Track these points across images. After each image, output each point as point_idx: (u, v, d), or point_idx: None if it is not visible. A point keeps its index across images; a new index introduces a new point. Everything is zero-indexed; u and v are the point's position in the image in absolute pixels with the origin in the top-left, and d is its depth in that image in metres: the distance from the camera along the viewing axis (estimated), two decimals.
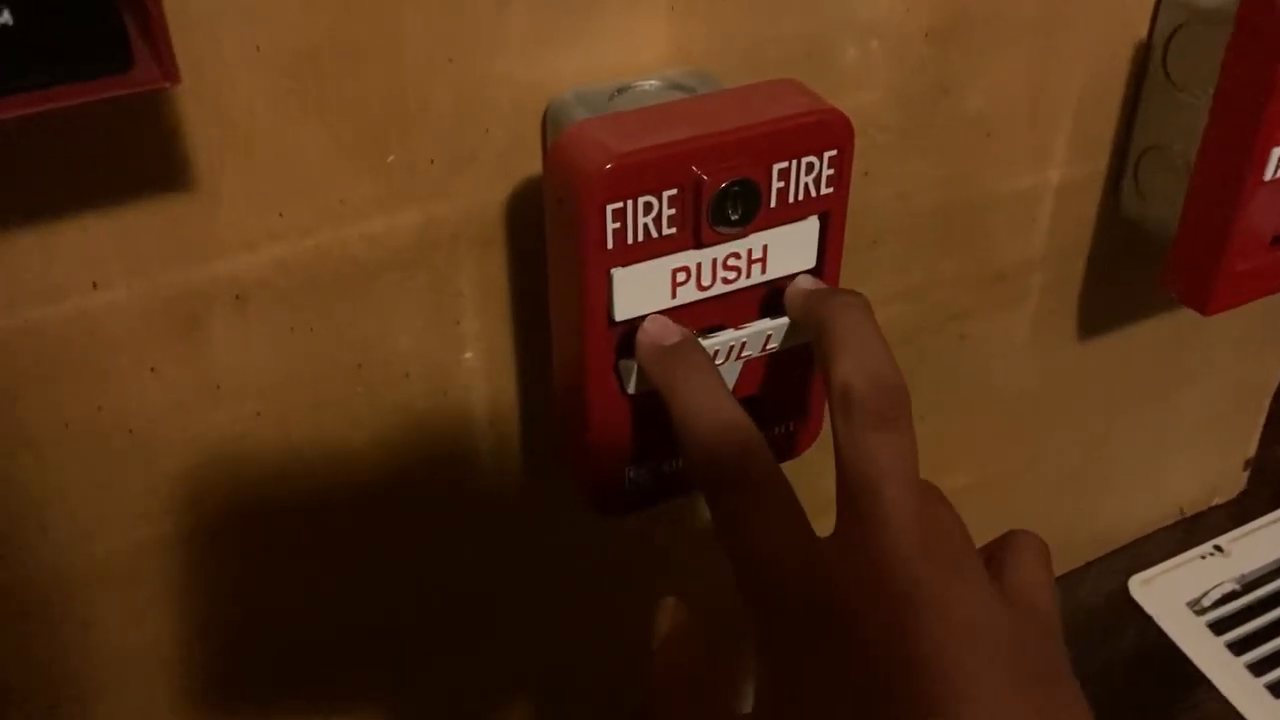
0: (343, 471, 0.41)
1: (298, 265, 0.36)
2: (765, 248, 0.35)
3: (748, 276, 0.36)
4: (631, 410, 0.37)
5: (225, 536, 0.40)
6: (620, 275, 0.33)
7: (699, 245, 0.34)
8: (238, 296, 0.36)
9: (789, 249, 0.36)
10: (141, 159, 0.33)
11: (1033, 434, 0.61)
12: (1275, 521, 0.71)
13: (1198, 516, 0.71)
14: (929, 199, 0.48)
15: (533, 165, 0.38)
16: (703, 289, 0.35)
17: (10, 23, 0.22)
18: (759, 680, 0.29)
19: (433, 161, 0.37)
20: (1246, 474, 0.73)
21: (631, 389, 0.36)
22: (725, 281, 0.35)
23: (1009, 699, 0.27)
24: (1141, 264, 0.55)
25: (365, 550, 0.44)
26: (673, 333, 0.34)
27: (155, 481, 0.38)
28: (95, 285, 0.34)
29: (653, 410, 0.37)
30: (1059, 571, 0.67)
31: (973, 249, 0.51)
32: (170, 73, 0.24)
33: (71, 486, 0.36)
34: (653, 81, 0.38)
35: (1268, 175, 0.46)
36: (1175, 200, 0.49)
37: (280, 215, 0.35)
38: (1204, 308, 0.49)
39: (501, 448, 0.44)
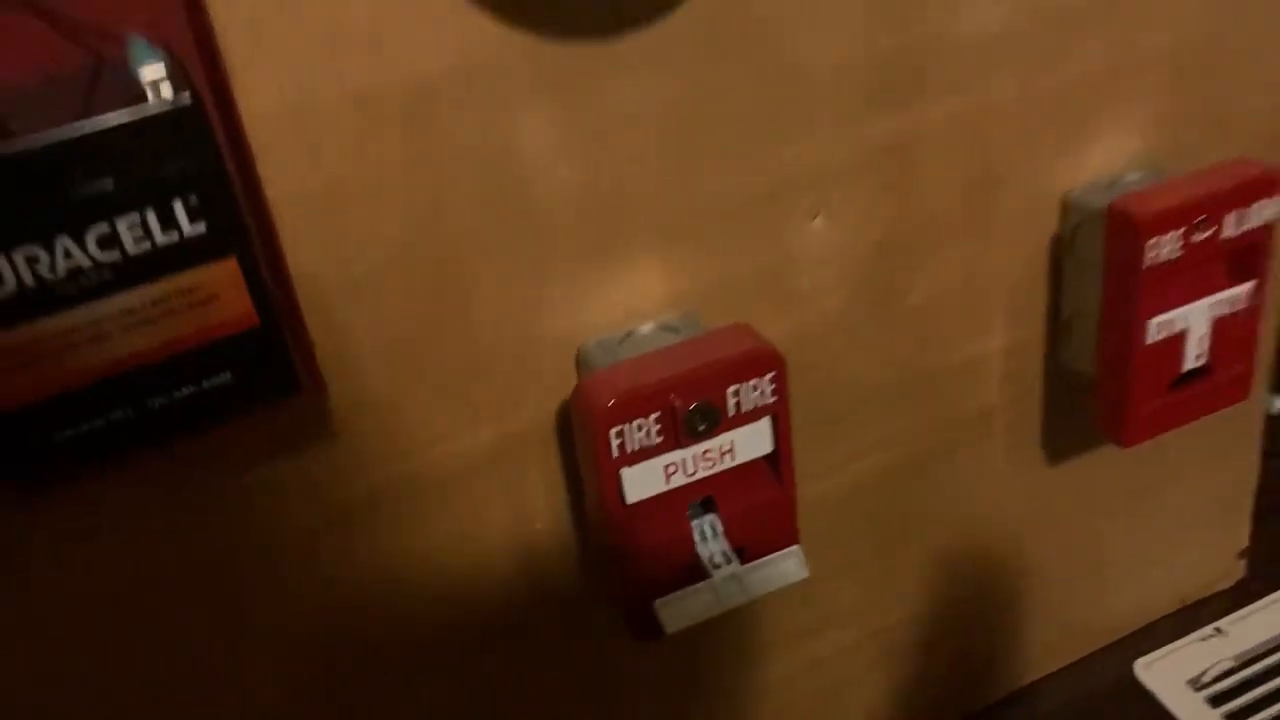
0: (451, 629, 0.56)
1: (404, 492, 0.52)
2: (732, 442, 0.50)
3: (721, 462, 0.50)
4: (651, 560, 0.51)
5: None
6: (627, 473, 0.48)
7: (680, 447, 0.49)
8: (372, 508, 0.52)
9: (750, 441, 0.50)
10: (290, 421, 0.49)
11: (1027, 544, 0.73)
12: (1271, 604, 0.80)
13: (1200, 603, 0.81)
14: (890, 374, 0.62)
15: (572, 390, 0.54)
16: (688, 475, 0.50)
17: (229, 380, 0.39)
18: None
19: (501, 395, 0.52)
20: (1244, 563, 0.82)
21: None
22: (704, 469, 0.50)
23: None
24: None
25: (472, 695, 0.59)
26: None
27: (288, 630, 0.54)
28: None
29: (666, 557, 0.51)
30: (1068, 660, 0.78)
31: (935, 405, 0.64)
32: (321, 388, 0.40)
33: None
34: (650, 325, 0.53)
35: (1149, 340, 0.58)
36: (1095, 356, 0.62)
37: (397, 445, 0.51)
38: (1121, 443, 0.62)
39: (565, 589, 0.59)
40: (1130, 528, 0.76)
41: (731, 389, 0.48)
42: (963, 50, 0.55)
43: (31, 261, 0.36)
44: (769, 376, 0.49)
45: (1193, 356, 0.60)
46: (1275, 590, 0.81)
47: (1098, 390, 0.62)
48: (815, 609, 0.66)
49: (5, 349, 0.37)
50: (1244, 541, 0.82)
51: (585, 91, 0.48)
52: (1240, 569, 0.83)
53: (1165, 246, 0.56)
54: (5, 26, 0.38)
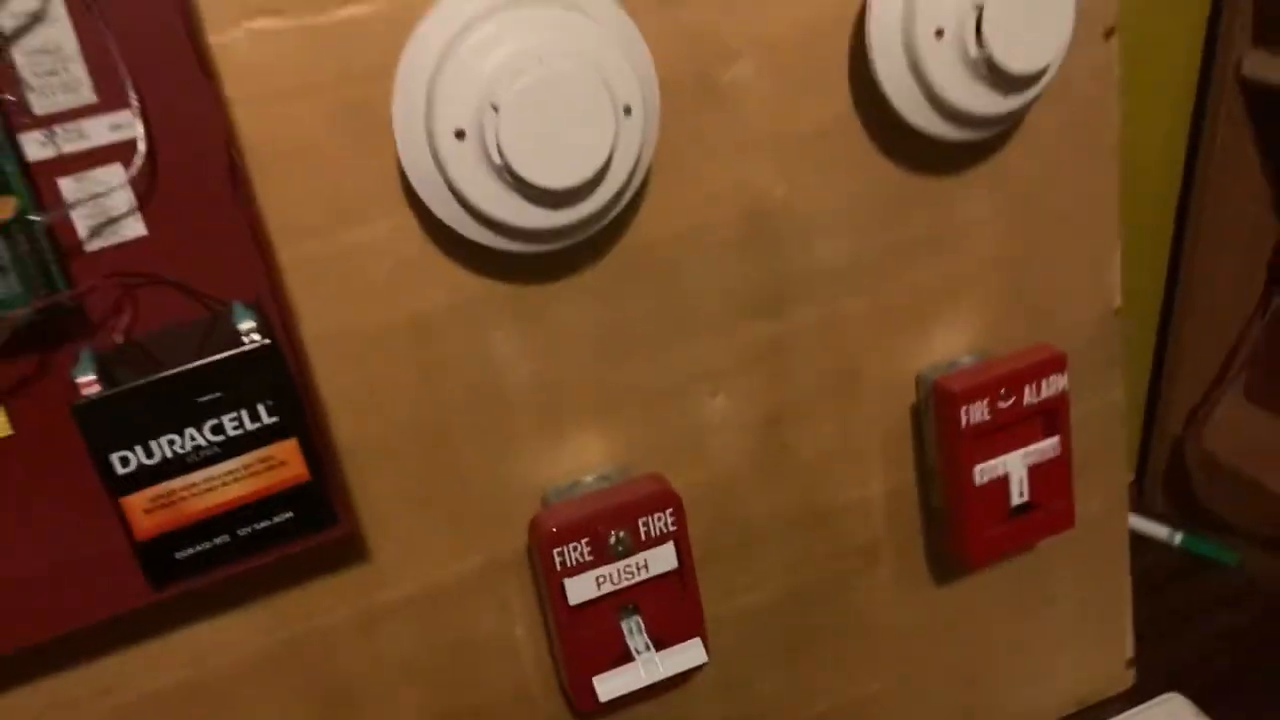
0: (452, 713, 0.75)
1: (419, 601, 0.72)
2: (646, 560, 0.69)
3: (639, 575, 0.70)
4: (593, 647, 0.70)
5: None
6: (569, 582, 0.68)
7: (605, 564, 0.68)
8: (392, 615, 0.72)
9: (660, 559, 0.70)
10: (333, 547, 0.70)
11: (925, 652, 0.90)
12: (1151, 706, 0.95)
13: (1094, 707, 0.97)
14: (786, 514, 0.81)
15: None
16: (615, 585, 0.69)
17: (281, 518, 0.60)
18: None
19: (487, 529, 0.73)
20: (1132, 671, 0.98)
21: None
22: (626, 580, 0.69)
23: None
24: None
25: None
26: None
27: None
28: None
29: (602, 646, 0.70)
30: None
31: (828, 539, 0.83)
32: (354, 523, 0.61)
33: None
34: (591, 476, 0.73)
35: (977, 483, 0.77)
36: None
37: (411, 567, 0.71)
38: (968, 565, 0.80)
39: (542, 678, 0.78)
40: (1019, 638, 0.93)
41: (641, 520, 0.68)
42: (818, 275, 0.76)
43: (170, 443, 0.58)
44: (669, 511, 0.69)
45: (1017, 494, 0.79)
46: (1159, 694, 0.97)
47: (947, 522, 0.80)
48: (736, 707, 0.84)
49: (152, 499, 0.58)
50: (1129, 652, 0.97)
51: (539, 314, 0.70)
52: (1130, 677, 0.98)
53: (977, 412, 0.75)
54: (159, 293, 0.61)
